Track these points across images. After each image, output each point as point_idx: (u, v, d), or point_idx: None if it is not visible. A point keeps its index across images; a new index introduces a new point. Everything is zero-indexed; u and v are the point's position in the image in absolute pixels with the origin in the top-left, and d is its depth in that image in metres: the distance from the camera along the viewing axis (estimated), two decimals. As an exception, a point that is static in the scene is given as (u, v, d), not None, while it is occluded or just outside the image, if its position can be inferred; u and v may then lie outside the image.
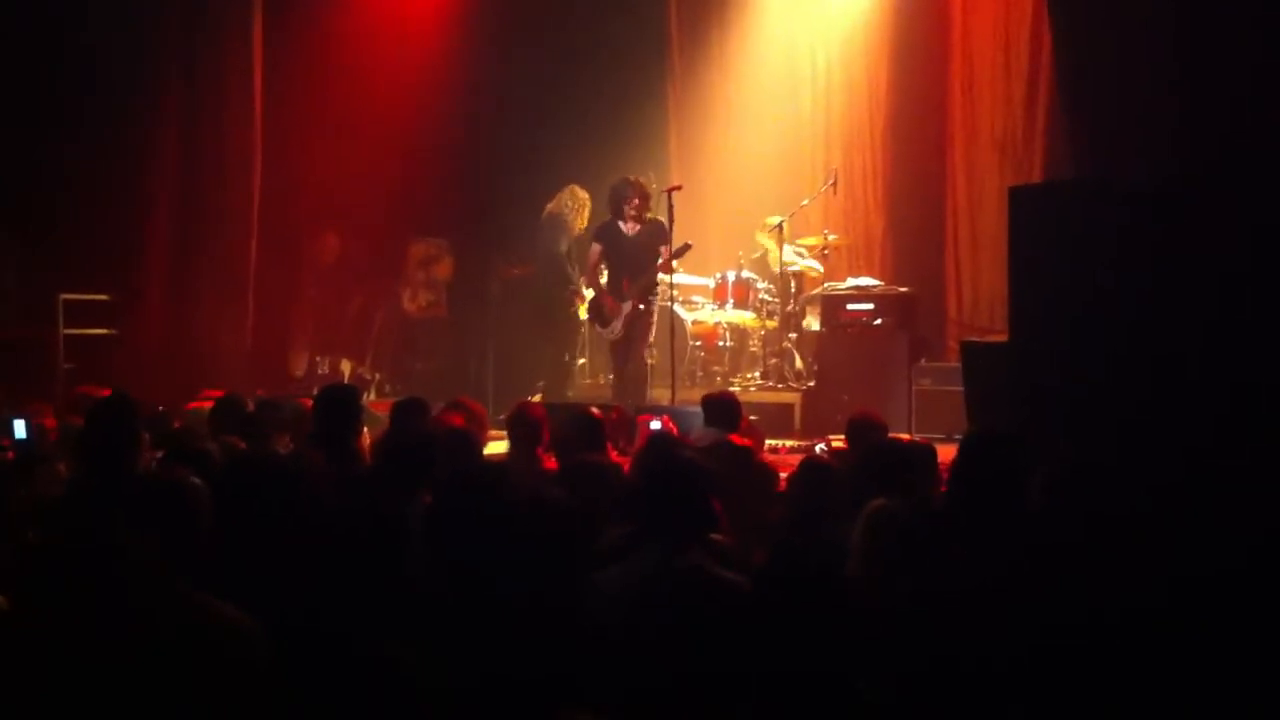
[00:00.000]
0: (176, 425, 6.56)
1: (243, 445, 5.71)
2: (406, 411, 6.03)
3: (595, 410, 6.26)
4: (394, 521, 3.54)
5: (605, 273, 10.06)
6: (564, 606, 3.40)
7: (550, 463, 5.75)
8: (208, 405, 6.98)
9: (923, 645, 3.31)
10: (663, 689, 3.22)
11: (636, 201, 9.74)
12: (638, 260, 9.80)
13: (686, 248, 9.87)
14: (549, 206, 10.85)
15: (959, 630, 3.38)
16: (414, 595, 3.44)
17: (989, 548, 3.79)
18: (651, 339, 9.96)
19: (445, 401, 6.68)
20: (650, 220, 9.76)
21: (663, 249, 9.70)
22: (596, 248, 9.98)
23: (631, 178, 9.99)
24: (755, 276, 11.06)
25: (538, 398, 10.39)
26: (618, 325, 9.83)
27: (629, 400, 9.12)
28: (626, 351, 9.97)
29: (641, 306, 9.83)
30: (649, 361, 10.35)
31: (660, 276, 10.02)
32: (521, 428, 5.96)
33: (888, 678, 2.99)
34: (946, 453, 7.57)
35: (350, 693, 2.59)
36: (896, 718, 2.84)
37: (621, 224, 9.81)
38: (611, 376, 10.49)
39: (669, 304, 10.33)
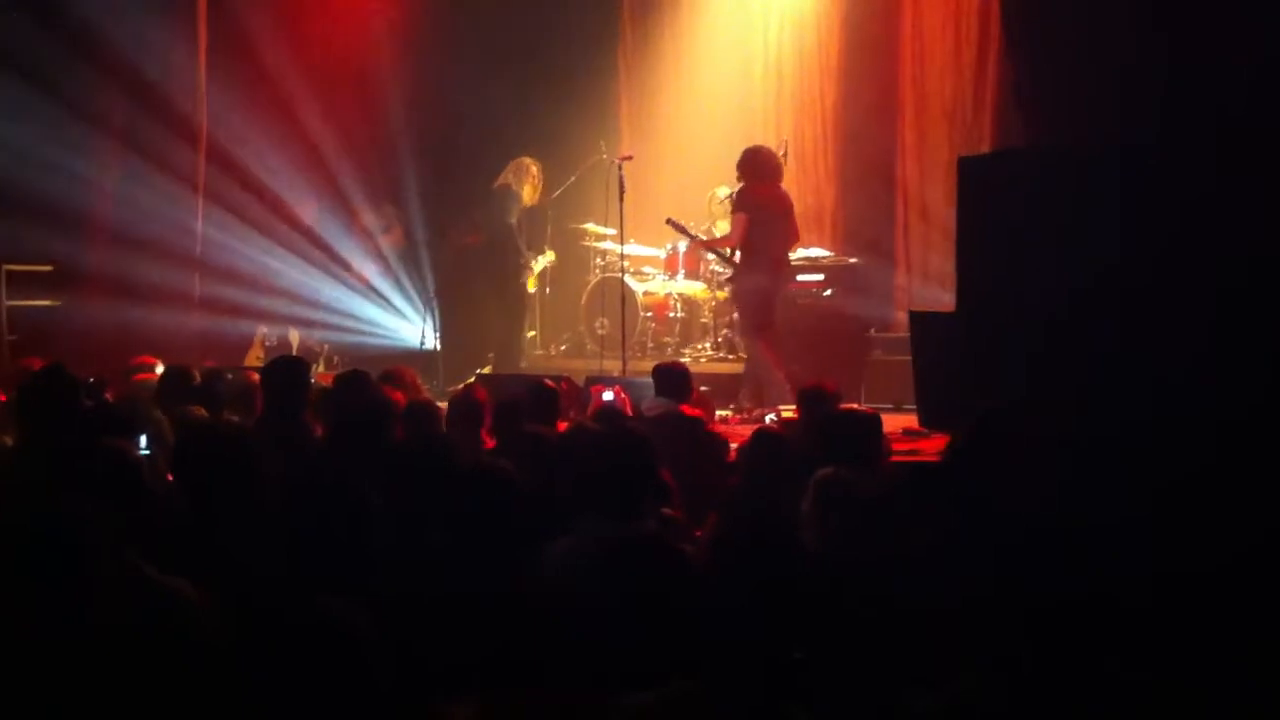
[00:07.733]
0: (109, 395, 6.49)
1: (196, 415, 5.68)
2: (349, 385, 5.97)
3: (549, 381, 6.28)
4: (350, 492, 3.52)
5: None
6: (512, 579, 3.39)
7: (490, 443, 5.71)
8: (154, 377, 6.92)
9: (873, 612, 3.33)
10: (611, 659, 3.22)
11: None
12: None
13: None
14: (500, 178, 10.81)
15: (912, 597, 3.40)
16: (372, 566, 3.43)
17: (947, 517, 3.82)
18: (746, 317, 9.68)
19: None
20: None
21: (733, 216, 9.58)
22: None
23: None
24: (706, 247, 11.05)
25: (488, 369, 10.37)
26: None
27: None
28: None
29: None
30: (600, 332, 10.32)
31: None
32: (464, 410, 5.89)
33: (838, 646, 3.00)
34: (897, 422, 7.74)
35: (302, 661, 2.56)
36: (842, 686, 2.86)
37: None
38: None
39: (619, 275, 10.35)
